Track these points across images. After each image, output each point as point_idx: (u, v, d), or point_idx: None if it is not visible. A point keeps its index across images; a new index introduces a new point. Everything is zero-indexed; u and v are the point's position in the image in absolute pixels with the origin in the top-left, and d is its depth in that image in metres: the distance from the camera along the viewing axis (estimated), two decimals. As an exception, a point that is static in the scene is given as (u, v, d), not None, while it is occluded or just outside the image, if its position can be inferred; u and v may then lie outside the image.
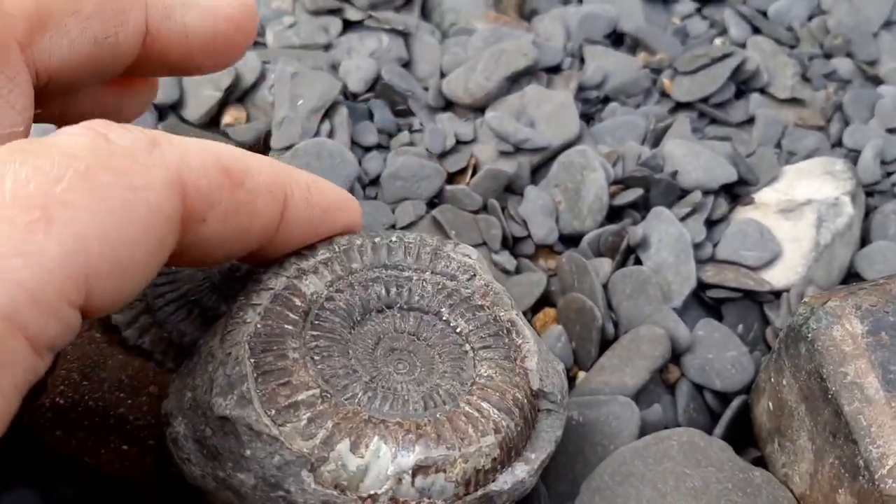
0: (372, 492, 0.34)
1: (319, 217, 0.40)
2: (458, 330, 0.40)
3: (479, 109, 0.60)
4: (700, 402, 0.48)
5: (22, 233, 0.27)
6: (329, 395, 0.36)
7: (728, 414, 0.47)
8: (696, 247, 0.52)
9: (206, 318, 0.46)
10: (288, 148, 0.56)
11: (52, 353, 0.29)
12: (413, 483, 0.35)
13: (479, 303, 0.41)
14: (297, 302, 0.38)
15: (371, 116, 0.60)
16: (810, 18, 0.70)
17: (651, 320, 0.49)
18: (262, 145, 0.58)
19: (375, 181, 0.57)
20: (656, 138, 0.59)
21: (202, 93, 0.59)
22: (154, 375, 0.45)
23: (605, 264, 0.52)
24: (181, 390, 0.39)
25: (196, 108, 0.59)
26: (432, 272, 0.42)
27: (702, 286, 0.52)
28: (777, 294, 0.51)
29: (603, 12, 0.67)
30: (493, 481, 0.37)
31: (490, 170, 0.56)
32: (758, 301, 0.51)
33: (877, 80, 0.66)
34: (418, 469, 0.35)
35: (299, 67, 0.60)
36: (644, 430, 0.46)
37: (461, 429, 0.37)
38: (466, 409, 0.38)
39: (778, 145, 0.61)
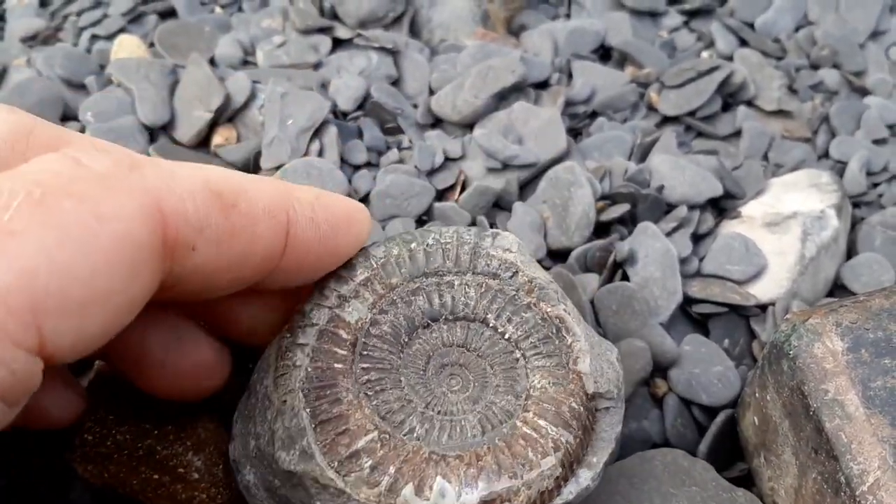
0: None
1: (328, 234, 0.38)
2: (506, 336, 0.39)
3: (467, 126, 0.61)
4: (687, 416, 0.49)
5: None
6: (387, 437, 0.37)
7: (714, 428, 0.48)
8: (683, 261, 0.53)
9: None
10: (278, 167, 0.57)
11: (3, 401, 0.27)
12: None
13: (525, 301, 0.40)
14: (343, 334, 0.38)
15: (360, 135, 0.60)
16: (797, 30, 0.71)
17: (637, 335, 0.49)
18: (252, 165, 0.58)
19: (365, 199, 0.57)
20: (643, 153, 0.59)
21: (193, 113, 0.60)
22: (179, 405, 0.45)
23: (593, 280, 0.52)
24: (245, 436, 0.39)
25: (187, 129, 0.59)
26: (473, 273, 0.40)
27: (688, 301, 0.52)
28: (763, 308, 0.52)
29: (590, 27, 0.67)
30: (558, 496, 0.37)
31: (478, 186, 0.56)
32: (744, 315, 0.52)
33: (863, 91, 0.67)
34: (483, 501, 0.36)
35: (289, 87, 0.60)
36: (633, 446, 0.47)
37: (521, 454, 0.37)
38: (524, 430, 0.37)
39: (765, 157, 0.62)
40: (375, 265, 0.40)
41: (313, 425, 0.36)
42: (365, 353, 0.38)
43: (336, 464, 0.36)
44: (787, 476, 0.43)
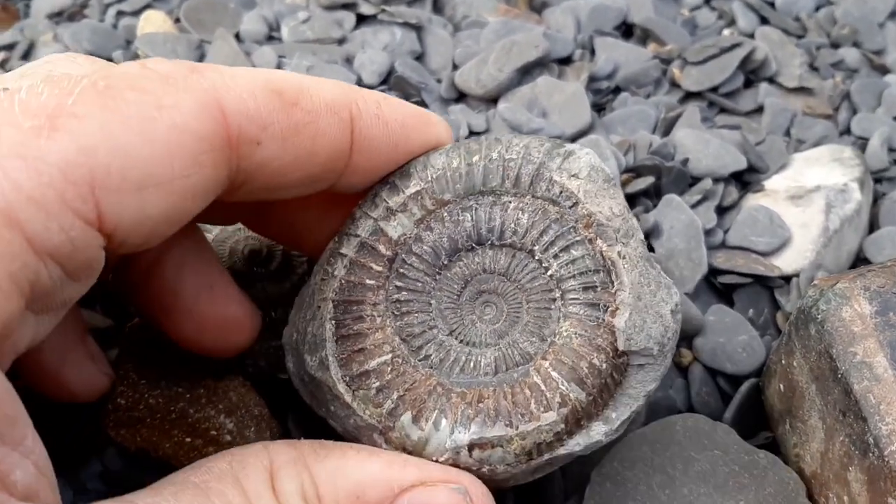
0: (434, 458, 0.37)
1: (398, 133, 0.37)
2: (549, 272, 0.38)
3: (491, 101, 0.61)
4: (712, 385, 0.49)
5: (24, 136, 0.27)
6: (400, 361, 0.38)
7: (738, 396, 0.48)
8: (707, 233, 0.53)
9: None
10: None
11: (62, 269, 0.28)
12: (471, 455, 0.37)
13: (581, 236, 0.38)
14: (383, 249, 0.38)
15: (386, 107, 0.60)
16: (817, 9, 0.71)
17: (663, 305, 0.50)
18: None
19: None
20: (667, 127, 0.60)
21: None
22: (210, 368, 0.46)
23: (618, 251, 0.52)
24: (293, 325, 0.41)
25: (214, 102, 0.60)
26: (533, 196, 0.38)
27: (713, 272, 0.52)
28: (787, 279, 0.52)
29: (612, 4, 0.67)
30: (562, 446, 0.37)
31: (503, 160, 0.56)
32: (768, 286, 0.52)
33: (883, 70, 0.67)
34: (474, 445, 0.37)
35: (314, 61, 0.61)
36: (658, 415, 0.47)
37: (522, 403, 0.37)
38: (534, 378, 0.37)
39: (787, 133, 0.62)
40: (430, 177, 0.38)
41: (335, 338, 0.38)
42: (402, 270, 0.38)
43: (348, 378, 0.38)
44: (813, 441, 0.43)
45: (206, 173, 0.31)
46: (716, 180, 0.56)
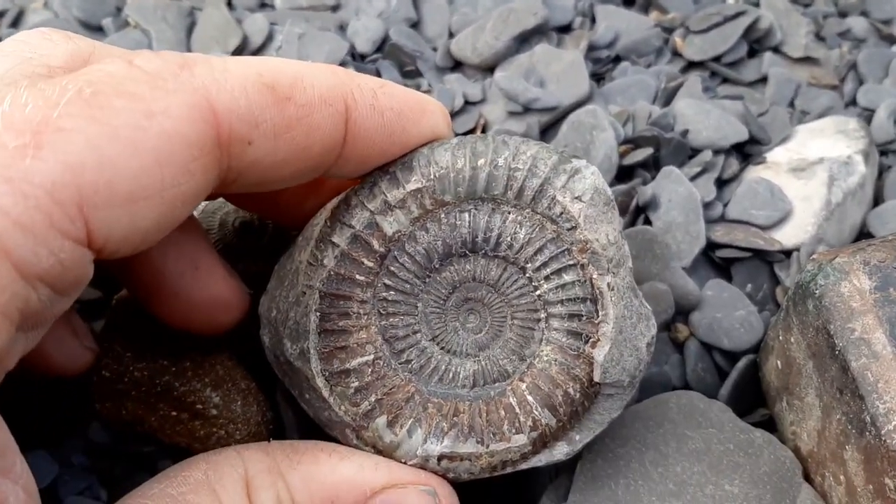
0: (403, 460, 0.38)
1: (394, 124, 0.36)
2: (538, 292, 0.38)
3: (487, 69, 0.60)
4: (708, 361, 0.48)
5: (8, 157, 0.26)
6: (381, 363, 0.38)
7: (735, 373, 0.47)
8: (706, 206, 0.52)
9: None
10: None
11: (52, 289, 0.28)
12: (439, 464, 0.38)
13: (574, 260, 0.37)
14: (376, 245, 0.37)
15: (379, 77, 0.59)
16: (825, -24, 0.69)
17: (659, 279, 0.49)
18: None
19: (384, 142, 0.56)
20: (667, 98, 0.58)
21: (210, 54, 0.59)
22: (196, 341, 0.45)
23: (614, 224, 0.51)
24: (272, 299, 0.40)
25: (204, 70, 0.59)
26: (533, 210, 0.37)
27: (711, 246, 0.51)
28: (787, 253, 0.51)
29: (614, -29, 0.66)
30: (525, 462, 0.38)
31: (499, 130, 0.55)
32: (768, 260, 0.51)
33: (891, 40, 0.65)
34: (444, 457, 0.37)
35: (306, 28, 0.60)
36: (653, 391, 0.46)
37: (496, 423, 0.38)
38: (510, 399, 0.38)
39: (791, 104, 0.60)
40: (433, 175, 0.37)
41: (318, 331, 0.38)
42: (392, 269, 0.38)
43: (327, 374, 0.38)
44: (809, 419, 0.42)
45: (198, 179, 0.31)
46: (716, 152, 0.55)
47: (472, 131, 0.57)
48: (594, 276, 0.37)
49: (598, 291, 0.37)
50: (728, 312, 0.48)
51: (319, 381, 0.38)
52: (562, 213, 0.37)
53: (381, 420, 0.38)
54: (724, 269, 0.51)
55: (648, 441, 0.43)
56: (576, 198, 0.37)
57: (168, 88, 0.30)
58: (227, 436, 0.44)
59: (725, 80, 0.61)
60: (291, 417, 0.44)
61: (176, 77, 0.30)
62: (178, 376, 0.44)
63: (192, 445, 0.45)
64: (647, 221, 0.52)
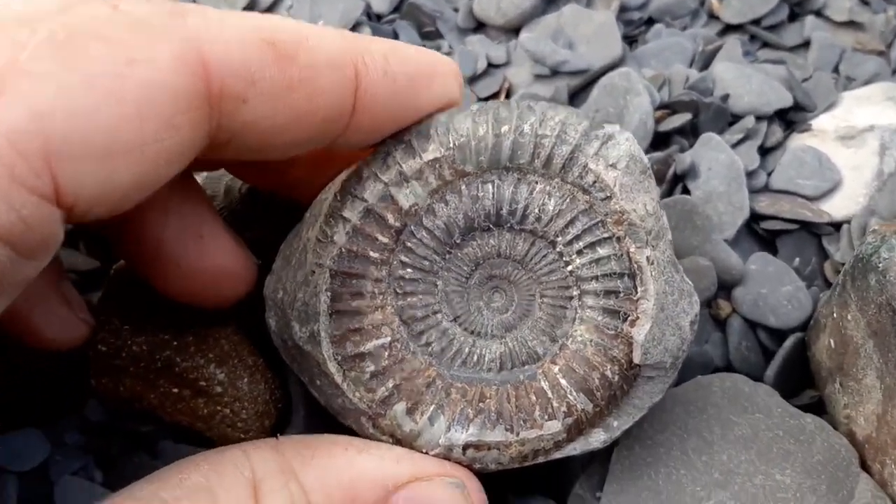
0: (424, 450, 0.34)
1: (406, 91, 0.34)
2: (569, 268, 0.35)
3: (512, 31, 0.57)
4: (753, 339, 0.45)
5: None
6: (399, 346, 0.35)
7: (782, 352, 0.44)
8: (749, 175, 0.48)
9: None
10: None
11: (13, 250, 0.25)
12: (464, 454, 0.34)
13: (609, 233, 0.35)
14: (391, 219, 0.34)
15: (396, 38, 0.56)
16: (869, -63, 0.65)
17: (699, 252, 0.45)
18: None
19: (401, 107, 0.53)
20: (705, 61, 0.55)
21: (217, 12, 0.55)
22: (200, 314, 0.42)
23: (650, 194, 0.48)
24: (279, 280, 0.37)
25: (211, 29, 0.55)
26: (562, 180, 0.34)
27: (755, 217, 0.48)
28: (836, 226, 0.48)
29: (646, -70, 0.62)
30: (558, 451, 0.35)
31: (525, 94, 0.52)
32: (815, 233, 0.48)
33: (941, 4, 0.61)
34: (470, 446, 0.34)
35: (321, -14, 0.56)
36: (693, 371, 0.43)
37: (527, 409, 0.35)
38: (541, 383, 0.35)
39: (835, 70, 0.57)
40: (452, 144, 0.34)
41: (329, 312, 0.35)
42: (409, 245, 0.35)
43: (339, 358, 0.35)
44: (868, 402, 0.39)
45: (183, 136, 0.28)
46: (758, 118, 0.51)
47: (495, 96, 0.54)
48: (631, 250, 0.35)
49: (636, 266, 0.35)
50: (774, 288, 0.45)
51: (332, 366, 0.35)
52: (595, 182, 0.34)
53: (400, 407, 0.34)
54: (768, 242, 0.48)
55: (690, 427, 0.40)
56: (610, 165, 0.35)
57: (154, 35, 0.27)
58: (233, 414, 0.41)
59: (765, 45, 0.58)
60: (300, 396, 0.40)
61: (165, 25, 0.27)
62: (180, 351, 0.41)
63: (195, 425, 0.42)
64: (686, 191, 0.48)
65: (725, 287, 0.45)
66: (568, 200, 0.34)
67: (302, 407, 0.40)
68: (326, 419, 0.40)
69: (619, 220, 0.34)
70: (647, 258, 0.34)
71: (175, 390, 0.41)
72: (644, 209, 0.35)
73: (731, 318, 0.45)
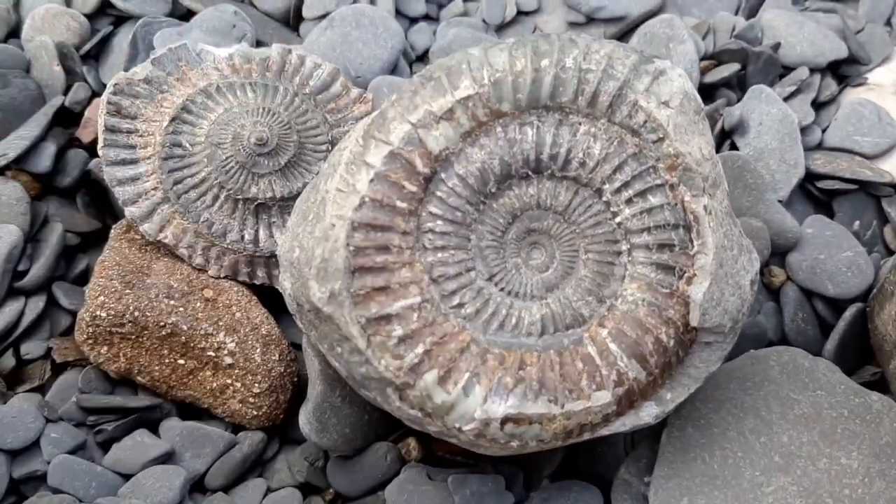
0: (457, 426, 0.31)
1: None
2: (618, 219, 0.32)
3: (543, -26, 0.52)
4: (809, 309, 0.41)
5: None
6: (429, 306, 0.31)
7: (842, 324, 0.40)
8: (803, 131, 0.45)
9: (236, 202, 0.39)
10: (323, 17, 0.49)
11: None
12: (502, 429, 0.31)
13: (662, 179, 0.31)
14: (419, 165, 0.31)
15: (417, -17, 0.52)
16: None
17: (751, 213, 0.42)
18: (292, 14, 0.50)
19: (423, 57, 0.50)
20: (751, 9, 0.51)
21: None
22: (209, 277, 0.39)
23: (695, 151, 0.44)
24: (294, 237, 0.33)
25: (217, -28, 0.51)
26: (609, 120, 0.31)
27: (810, 176, 0.44)
28: (897, 187, 0.44)
29: None
30: (606, 427, 0.32)
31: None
32: (874, 194, 0.44)
33: None
34: (509, 419, 0.30)
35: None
36: (745, 344, 0.39)
37: (572, 378, 0.31)
38: (588, 349, 0.31)
39: (888, 23, 0.53)
40: (486, 80, 0.31)
41: (351, 269, 0.31)
42: (440, 194, 0.31)
43: (363, 320, 0.31)
44: (941, 379, 0.35)
45: None
46: (811, 70, 0.47)
47: (525, 45, 0.50)
48: (686, 199, 0.31)
49: (691, 216, 0.31)
50: (832, 254, 0.41)
51: (354, 330, 0.31)
52: (646, 122, 0.31)
53: (431, 375, 0.30)
54: (824, 203, 0.44)
55: (747, 405, 0.36)
56: (662, 103, 0.31)
57: None
58: (245, 389, 0.38)
59: (814, -7, 0.54)
60: (317, 370, 0.37)
61: None
62: (187, 318, 0.38)
63: (202, 400, 0.38)
64: (734, 147, 0.44)
65: (779, 252, 0.42)
66: (615, 143, 0.31)
67: (320, 382, 0.36)
68: (348, 397, 0.36)
69: (673, 164, 0.31)
70: (705, 207, 0.31)
71: (181, 361, 0.38)
72: (700, 153, 0.31)
73: (786, 286, 0.42)
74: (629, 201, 0.31)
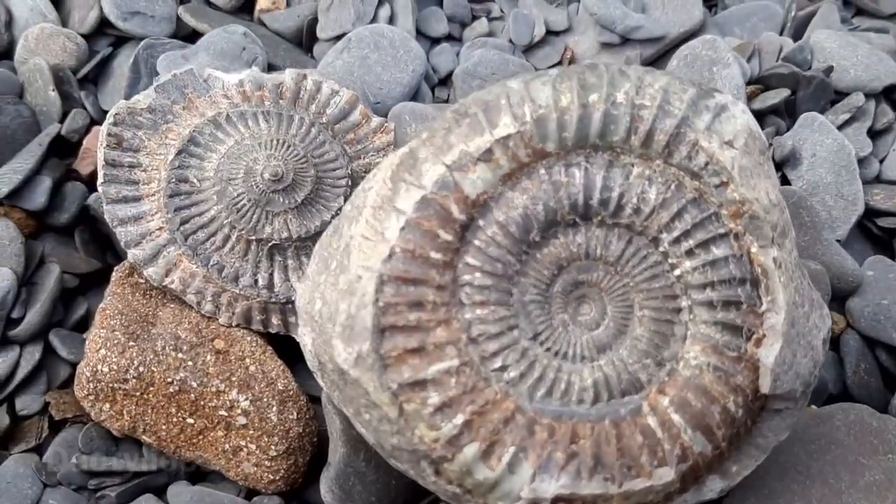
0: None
1: None
2: (677, 272, 0.29)
3: (574, -8, 0.50)
4: (872, 360, 0.39)
5: None
6: (468, 370, 0.28)
7: (910, 377, 0.37)
8: (860, 163, 0.42)
9: (249, 243, 0.36)
10: (339, 37, 0.46)
11: None
12: None
13: (726, 228, 0.29)
14: (455, 212, 0.28)
15: (440, 1, 0.49)
16: None
17: (807, 254, 0.39)
18: (305, 35, 0.47)
19: (446, 80, 0.47)
20: (797, 28, 0.48)
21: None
22: (220, 326, 0.37)
23: (743, 184, 0.41)
24: (314, 285, 0.30)
25: (226, -11, 0.48)
26: (666, 161, 0.29)
27: (869, 213, 0.41)
28: (966, 224, 0.41)
29: None
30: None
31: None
32: (939, 233, 0.41)
33: None
34: (560, 500, 0.28)
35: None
36: (805, 398, 0.36)
37: (631, 453, 0.28)
38: (648, 419, 0.28)
39: (942, 43, 0.50)
40: (528, 117, 0.28)
41: (381, 328, 0.28)
42: (478, 244, 0.28)
43: (395, 386, 0.28)
44: None
45: None
46: (866, 95, 0.44)
47: (556, 66, 0.47)
48: (753, 250, 0.29)
49: (759, 270, 0.29)
50: (896, 299, 0.38)
51: (384, 396, 0.28)
52: (707, 165, 0.29)
53: (472, 449, 0.28)
54: (884, 242, 0.42)
55: (813, 471, 0.34)
56: (725, 143, 0.29)
57: None
58: (260, 451, 0.35)
59: (861, 12, 0.51)
60: (341, 430, 0.33)
61: None
62: (196, 373, 0.35)
63: (213, 462, 0.35)
64: (785, 181, 0.41)
65: (838, 297, 0.39)
66: (673, 187, 0.29)
67: (342, 444, 0.33)
68: (373, 461, 0.33)
69: (738, 211, 0.28)
70: (774, 259, 0.29)
71: (190, 420, 0.35)
72: (767, 198, 0.29)
73: (846, 334, 0.39)
74: (689, 252, 0.29)
